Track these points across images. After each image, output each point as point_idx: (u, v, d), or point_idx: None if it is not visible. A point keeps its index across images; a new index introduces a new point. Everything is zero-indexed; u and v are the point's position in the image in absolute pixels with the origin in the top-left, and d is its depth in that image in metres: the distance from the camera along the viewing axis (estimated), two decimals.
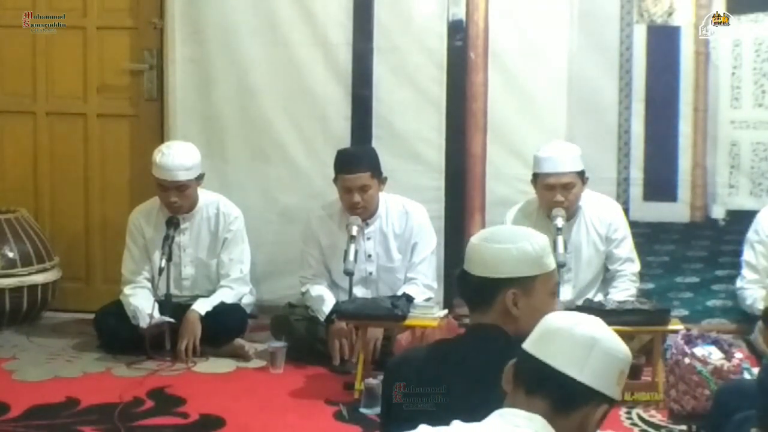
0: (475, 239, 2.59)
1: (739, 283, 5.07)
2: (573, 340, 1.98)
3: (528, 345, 2.04)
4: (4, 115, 5.93)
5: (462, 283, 2.58)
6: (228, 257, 5.20)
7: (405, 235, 5.05)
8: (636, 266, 4.99)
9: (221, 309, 5.09)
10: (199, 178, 5.12)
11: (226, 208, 5.22)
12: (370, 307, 4.63)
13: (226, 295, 5.15)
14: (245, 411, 4.35)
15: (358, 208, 4.91)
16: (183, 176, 5.02)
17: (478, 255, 2.55)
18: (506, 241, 2.54)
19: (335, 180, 4.99)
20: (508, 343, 2.42)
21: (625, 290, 4.85)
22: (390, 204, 5.07)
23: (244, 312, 5.21)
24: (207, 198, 5.22)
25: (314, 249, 5.08)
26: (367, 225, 5.01)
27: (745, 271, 5.03)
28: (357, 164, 4.93)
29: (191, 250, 5.18)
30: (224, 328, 5.07)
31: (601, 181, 5.15)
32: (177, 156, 5.03)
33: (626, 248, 4.98)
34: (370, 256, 5.03)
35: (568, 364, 1.96)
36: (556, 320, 2.04)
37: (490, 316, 2.53)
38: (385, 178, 5.01)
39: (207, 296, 5.16)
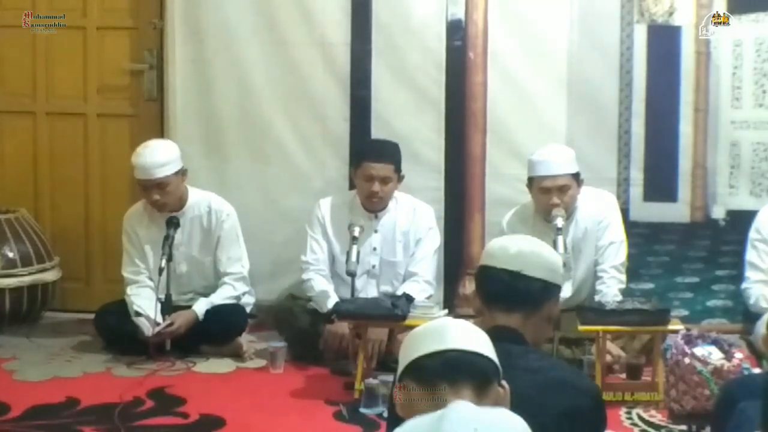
0: (524, 243, 2.61)
1: (744, 284, 4.95)
2: (477, 333, 2.12)
3: (431, 347, 2.07)
4: (4, 115, 5.93)
5: (508, 281, 2.54)
6: (226, 256, 5.19)
7: (411, 233, 5.08)
8: (618, 258, 4.90)
9: (221, 308, 5.09)
10: (180, 173, 5.09)
11: (217, 205, 5.21)
12: (370, 307, 4.63)
13: (226, 292, 5.15)
14: (245, 411, 4.35)
15: (376, 198, 4.95)
16: (159, 173, 5.01)
17: (539, 258, 2.57)
18: (551, 250, 2.66)
19: (355, 168, 5.03)
20: (527, 350, 2.43)
21: (605, 295, 4.75)
22: (401, 201, 5.11)
23: (243, 311, 5.21)
24: (198, 196, 5.21)
25: (320, 234, 5.09)
26: (377, 218, 5.04)
27: (750, 272, 4.92)
28: (384, 155, 4.99)
29: (184, 248, 5.17)
30: (224, 327, 5.08)
31: (601, 181, 5.14)
32: (151, 154, 5.03)
33: (608, 237, 4.90)
34: (375, 249, 5.05)
35: (474, 345, 2.07)
36: (429, 325, 2.16)
37: (531, 319, 2.53)
38: (403, 176, 5.04)
39: (205, 294, 5.16)
